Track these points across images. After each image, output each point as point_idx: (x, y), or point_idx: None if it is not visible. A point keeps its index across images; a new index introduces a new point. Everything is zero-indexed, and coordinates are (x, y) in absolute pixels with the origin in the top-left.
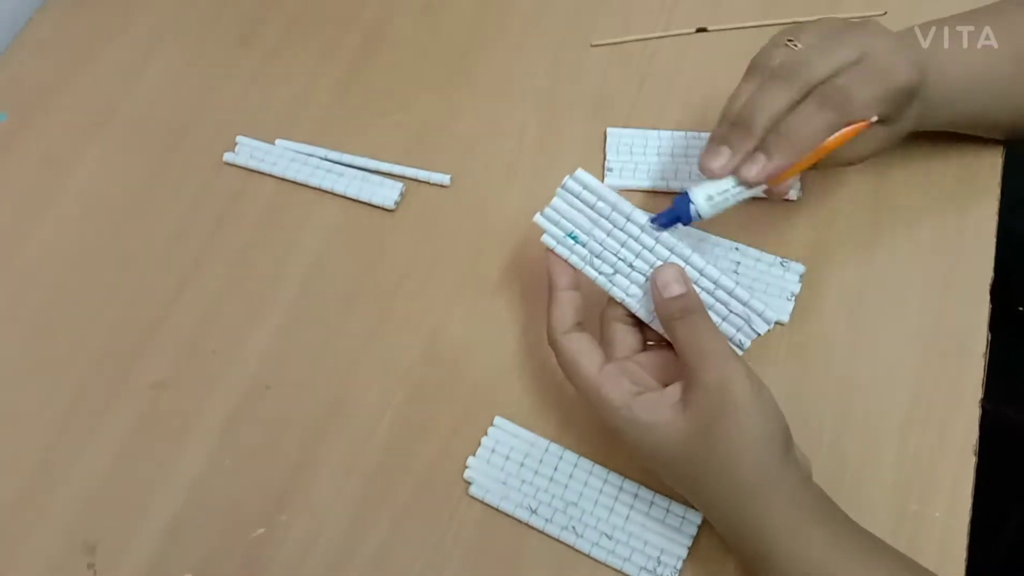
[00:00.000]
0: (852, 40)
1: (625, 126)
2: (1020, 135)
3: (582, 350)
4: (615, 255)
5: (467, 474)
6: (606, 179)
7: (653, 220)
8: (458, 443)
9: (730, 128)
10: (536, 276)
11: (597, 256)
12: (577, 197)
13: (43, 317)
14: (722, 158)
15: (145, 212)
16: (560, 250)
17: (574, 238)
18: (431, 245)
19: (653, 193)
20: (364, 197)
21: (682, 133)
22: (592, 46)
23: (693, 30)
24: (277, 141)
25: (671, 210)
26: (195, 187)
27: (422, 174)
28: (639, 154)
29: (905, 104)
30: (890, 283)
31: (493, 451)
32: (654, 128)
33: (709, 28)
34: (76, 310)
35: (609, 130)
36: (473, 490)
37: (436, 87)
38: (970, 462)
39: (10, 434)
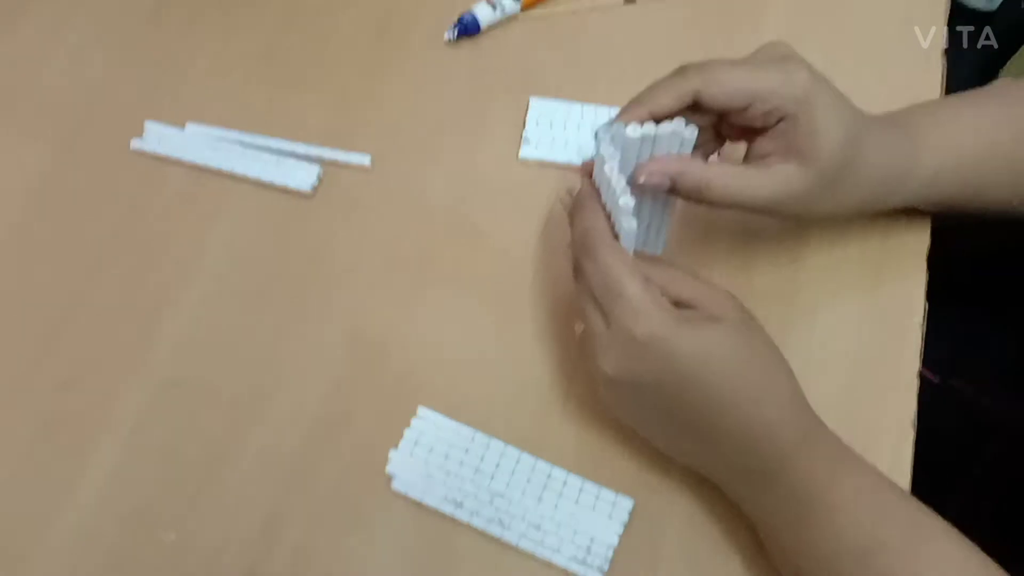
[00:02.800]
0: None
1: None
2: (1012, 215)
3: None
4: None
5: (389, 468)
6: (522, 150)
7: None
8: (380, 436)
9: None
10: (460, 260)
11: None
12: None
13: None
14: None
15: (48, 204)
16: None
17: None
18: (351, 230)
19: (567, 169)
20: (279, 181)
21: (607, 108)
22: (518, 19)
23: (622, 2)
24: (188, 125)
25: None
26: (101, 176)
27: (341, 156)
28: (559, 127)
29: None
30: (825, 254)
31: (416, 443)
32: (580, 102)
33: (637, 0)
34: None
35: (532, 100)
36: (396, 485)
37: (355, 64)
38: (909, 434)
39: None
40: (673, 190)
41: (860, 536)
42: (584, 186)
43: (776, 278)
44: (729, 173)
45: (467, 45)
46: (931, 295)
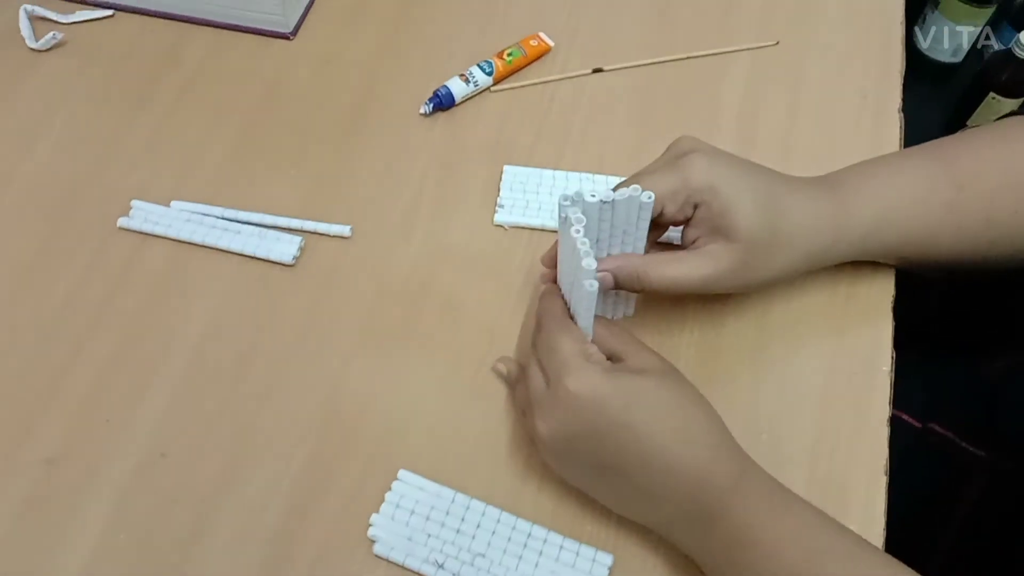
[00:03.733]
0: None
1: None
2: (957, 266)
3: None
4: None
5: (371, 532)
6: (496, 215)
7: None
8: (361, 501)
9: None
10: (437, 325)
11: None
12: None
13: None
14: None
15: (37, 281)
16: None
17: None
18: (331, 299)
19: (541, 231)
20: (262, 254)
21: (577, 174)
22: (491, 91)
23: (589, 71)
24: (172, 203)
25: None
26: (88, 254)
27: (322, 227)
28: (532, 192)
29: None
30: (792, 307)
31: (397, 506)
32: (552, 168)
33: (605, 68)
34: None
35: (506, 167)
36: (377, 548)
37: (333, 139)
38: (881, 481)
39: None
40: (618, 284)
41: (801, 573)
42: (546, 282)
43: (745, 333)
44: (663, 260)
45: (442, 118)
46: (909, 341)
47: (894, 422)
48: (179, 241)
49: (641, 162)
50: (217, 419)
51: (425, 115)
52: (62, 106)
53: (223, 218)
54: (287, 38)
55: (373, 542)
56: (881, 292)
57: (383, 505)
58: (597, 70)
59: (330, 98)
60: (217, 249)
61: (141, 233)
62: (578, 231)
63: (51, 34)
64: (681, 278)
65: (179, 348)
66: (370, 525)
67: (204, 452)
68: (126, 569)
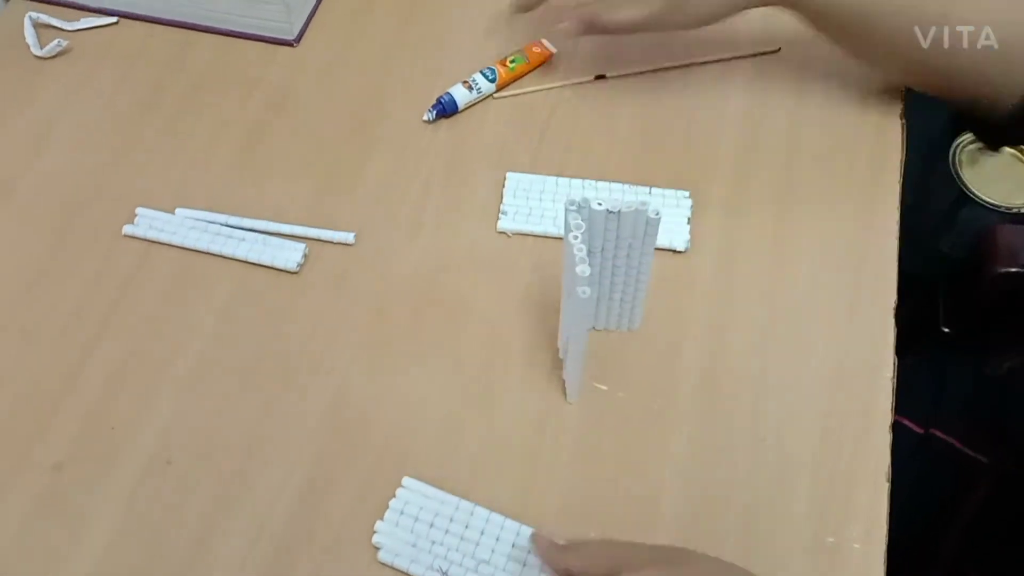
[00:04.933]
0: None
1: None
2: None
3: None
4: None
5: (375, 539)
6: (500, 222)
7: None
8: (365, 507)
9: None
10: (441, 331)
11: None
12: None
13: None
14: None
15: (42, 289)
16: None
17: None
18: (335, 306)
19: (543, 238)
20: (266, 261)
21: (580, 181)
22: (494, 98)
23: (592, 78)
24: (177, 210)
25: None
26: (94, 262)
27: (326, 234)
28: (535, 199)
29: None
30: (795, 312)
31: (402, 513)
32: (555, 176)
33: (608, 75)
34: None
35: (508, 174)
36: (382, 555)
37: (337, 146)
38: (884, 487)
39: None
40: (582, 31)
41: None
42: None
43: (750, 342)
44: (613, 4)
45: (445, 125)
46: (910, 347)
47: (896, 428)
48: (184, 248)
49: (646, 167)
50: (222, 426)
51: (428, 122)
52: (67, 114)
53: (228, 225)
54: (291, 45)
55: (378, 549)
56: (883, 297)
57: (387, 512)
58: (600, 77)
59: (334, 105)
60: (222, 256)
61: (147, 240)
62: (576, 236)
63: (56, 41)
64: (628, 20)
65: (184, 355)
66: (374, 532)
67: (209, 459)
68: (135, 570)
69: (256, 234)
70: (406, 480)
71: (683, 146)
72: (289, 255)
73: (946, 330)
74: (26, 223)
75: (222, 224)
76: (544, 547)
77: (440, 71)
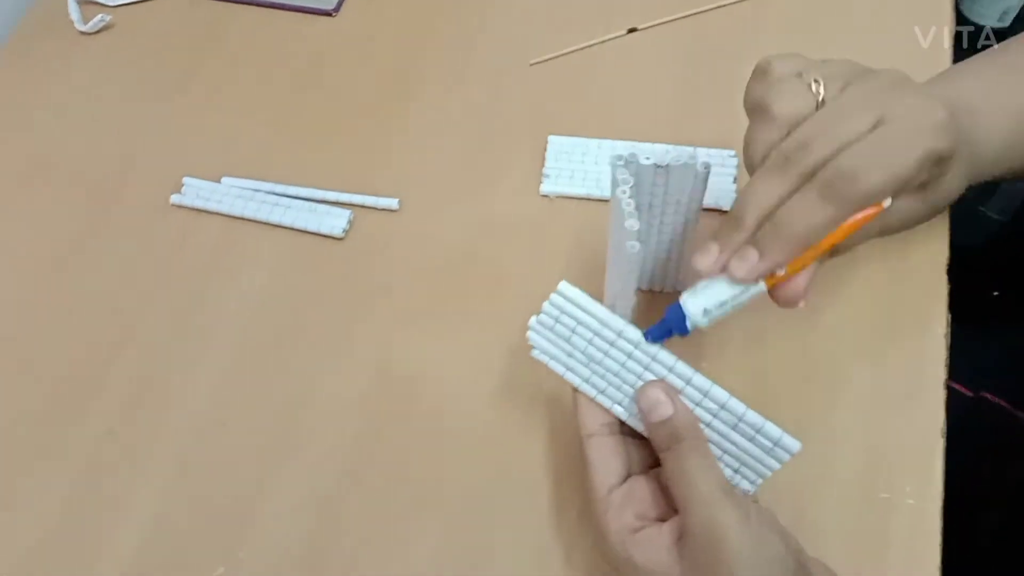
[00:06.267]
0: (866, 101)
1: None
2: None
3: (599, 461)
4: (613, 374)
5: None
6: (542, 186)
7: (646, 334)
8: (411, 466)
9: (723, 221)
10: (486, 296)
11: (595, 373)
12: (564, 312)
13: None
14: (710, 256)
15: (92, 259)
16: (554, 366)
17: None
18: (380, 271)
19: (587, 200)
20: (312, 227)
21: (623, 142)
22: (531, 64)
23: (624, 32)
24: (223, 179)
25: (664, 322)
26: (142, 231)
27: (369, 200)
28: (577, 162)
29: (938, 173)
30: (844, 270)
31: None
32: (597, 137)
33: (640, 27)
34: (25, 360)
35: (550, 138)
36: None
37: (378, 113)
38: (939, 444)
39: None
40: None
41: None
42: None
43: None
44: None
45: (485, 89)
46: (960, 308)
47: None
48: (231, 216)
49: (689, 126)
50: (272, 390)
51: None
52: (111, 87)
53: (273, 193)
54: (330, 15)
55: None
56: (935, 255)
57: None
58: (632, 30)
59: (374, 73)
60: (268, 224)
61: (193, 209)
62: (624, 191)
63: (99, 16)
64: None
65: (232, 321)
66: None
67: (260, 422)
68: (187, 534)
69: (301, 201)
70: None
71: (726, 100)
72: (334, 221)
73: (996, 294)
74: (74, 195)
75: (267, 192)
76: None
77: (478, 39)
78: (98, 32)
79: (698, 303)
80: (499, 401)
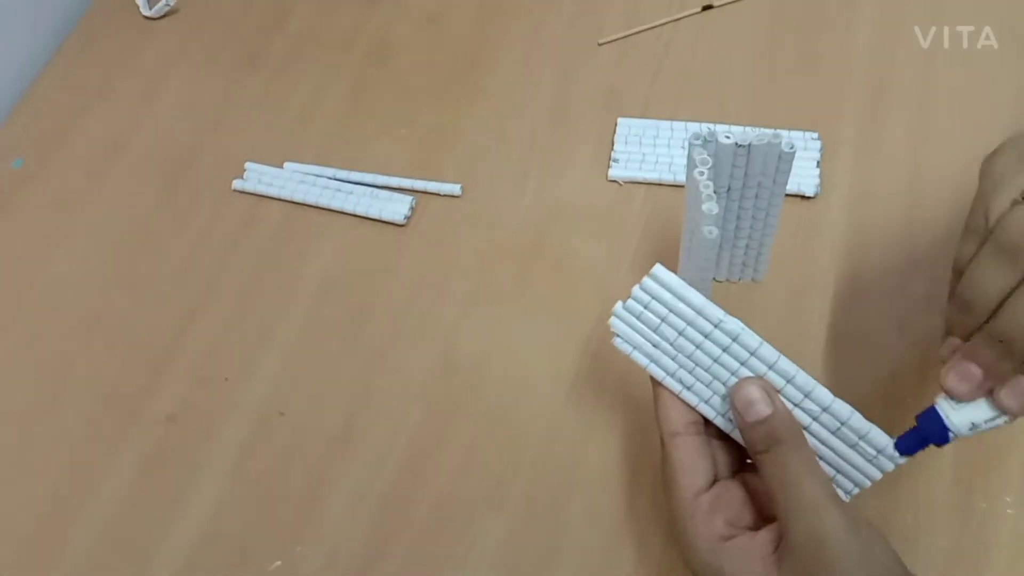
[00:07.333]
0: None
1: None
2: None
3: (685, 462)
4: (704, 368)
5: None
6: (611, 170)
7: (896, 444)
8: (475, 460)
9: (984, 342)
10: (551, 282)
11: (682, 367)
12: (656, 299)
13: (55, 353)
14: (971, 382)
15: (155, 244)
16: (637, 357)
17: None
18: (443, 257)
19: (657, 185)
20: (374, 214)
21: (696, 125)
22: (599, 44)
23: (699, 9)
24: (285, 164)
25: (917, 431)
26: (205, 216)
27: (432, 186)
28: (648, 145)
29: None
30: (934, 265)
31: None
32: (668, 120)
33: (715, 4)
34: (88, 345)
35: (620, 120)
36: None
37: (442, 97)
38: None
39: (22, 471)
40: None
41: None
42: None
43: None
44: None
45: (553, 71)
46: None
47: None
48: (292, 202)
49: (768, 107)
50: (333, 378)
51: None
52: (175, 72)
53: (335, 179)
54: None
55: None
56: None
57: None
58: (707, 7)
59: (437, 56)
60: (330, 210)
61: (255, 195)
62: (702, 173)
63: (164, 2)
64: None
65: (294, 307)
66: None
67: (321, 410)
68: (245, 525)
69: (363, 187)
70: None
71: (808, 80)
72: (396, 207)
73: None
74: (139, 180)
75: (329, 178)
76: None
77: (546, 19)
78: (163, 17)
79: (964, 417)
80: (568, 393)
